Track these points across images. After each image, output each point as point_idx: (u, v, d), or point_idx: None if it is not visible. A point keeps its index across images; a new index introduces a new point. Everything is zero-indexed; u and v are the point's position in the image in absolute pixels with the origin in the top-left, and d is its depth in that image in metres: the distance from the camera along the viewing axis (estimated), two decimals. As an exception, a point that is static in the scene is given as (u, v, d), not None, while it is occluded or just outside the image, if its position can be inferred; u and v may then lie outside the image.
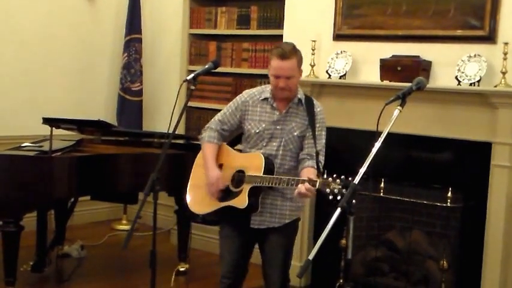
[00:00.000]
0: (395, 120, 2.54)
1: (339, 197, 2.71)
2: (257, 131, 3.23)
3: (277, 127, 3.22)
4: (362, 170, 2.44)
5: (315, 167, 3.08)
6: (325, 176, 2.80)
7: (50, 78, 5.88)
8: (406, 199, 4.39)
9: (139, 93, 6.14)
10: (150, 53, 6.27)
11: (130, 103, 6.11)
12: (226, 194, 3.23)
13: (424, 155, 4.34)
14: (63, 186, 4.23)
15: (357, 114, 4.49)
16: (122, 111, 6.13)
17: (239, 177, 3.20)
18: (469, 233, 4.19)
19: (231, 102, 3.36)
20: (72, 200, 4.89)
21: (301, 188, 2.91)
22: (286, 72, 3.12)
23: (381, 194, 4.41)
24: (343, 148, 4.65)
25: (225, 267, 3.36)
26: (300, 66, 3.22)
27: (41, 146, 4.45)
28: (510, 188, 3.96)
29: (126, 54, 6.09)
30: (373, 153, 2.47)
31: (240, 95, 3.34)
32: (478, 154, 4.08)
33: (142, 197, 2.85)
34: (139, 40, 6.12)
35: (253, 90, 3.33)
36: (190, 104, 3.22)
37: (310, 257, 2.30)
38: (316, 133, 3.19)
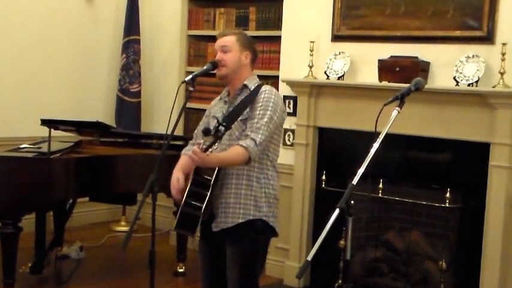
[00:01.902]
0: (393, 120, 2.54)
1: (208, 149, 2.58)
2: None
3: None
4: (361, 171, 2.44)
5: (240, 143, 2.85)
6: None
7: (49, 80, 5.88)
8: (405, 200, 4.39)
9: (138, 94, 6.14)
10: (149, 54, 6.26)
11: (128, 104, 6.11)
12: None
13: (422, 155, 4.35)
14: (61, 188, 4.23)
15: (356, 115, 4.49)
16: (121, 113, 6.12)
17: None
18: (468, 233, 4.20)
19: None
20: (71, 201, 4.89)
21: (190, 154, 2.77)
22: (223, 43, 3.09)
23: (380, 195, 4.41)
24: (342, 149, 4.66)
25: (203, 284, 3.20)
26: (241, 45, 3.08)
27: (40, 148, 4.44)
28: (509, 188, 3.97)
29: (124, 55, 6.09)
30: (372, 154, 2.47)
31: None
32: (476, 154, 4.08)
33: (141, 198, 2.85)
34: (138, 41, 6.12)
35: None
36: (188, 105, 3.20)
37: (309, 257, 2.29)
38: (258, 112, 2.95)
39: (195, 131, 3.29)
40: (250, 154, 2.86)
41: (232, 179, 3.00)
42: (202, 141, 2.64)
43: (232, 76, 3.11)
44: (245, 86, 3.09)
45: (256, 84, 3.09)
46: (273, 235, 3.12)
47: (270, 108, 2.97)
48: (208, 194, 2.95)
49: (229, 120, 2.85)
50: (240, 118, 2.99)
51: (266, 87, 3.06)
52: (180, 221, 3.02)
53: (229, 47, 3.08)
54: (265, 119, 2.94)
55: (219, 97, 3.24)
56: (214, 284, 3.17)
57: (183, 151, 3.24)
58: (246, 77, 3.11)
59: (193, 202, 2.98)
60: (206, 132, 2.61)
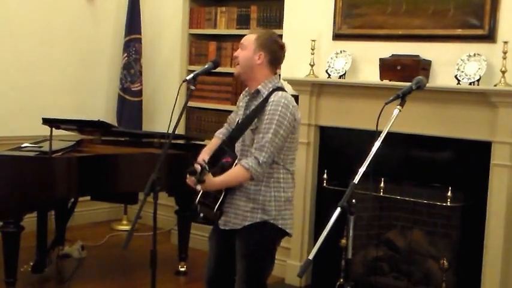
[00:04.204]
0: (395, 119, 2.54)
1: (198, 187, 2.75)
2: (235, 124, 3.20)
3: (241, 119, 3.12)
4: (362, 170, 2.44)
5: (243, 164, 2.90)
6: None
7: (50, 79, 5.88)
8: (406, 198, 4.39)
9: (139, 93, 6.14)
10: (150, 53, 6.26)
11: (130, 103, 6.11)
12: None
13: (424, 154, 4.34)
14: (63, 187, 4.23)
15: (357, 114, 4.49)
16: (122, 112, 6.12)
17: None
18: (469, 232, 4.19)
19: None
20: (72, 200, 4.89)
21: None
22: (243, 40, 3.10)
23: (381, 194, 4.41)
24: (343, 148, 4.66)
25: (206, 272, 3.25)
26: (257, 45, 3.05)
27: (41, 147, 4.44)
28: (510, 187, 3.96)
29: (125, 54, 6.09)
30: (373, 153, 2.47)
31: None
32: (478, 153, 4.08)
33: (142, 197, 2.85)
34: (139, 40, 6.11)
35: None
36: (190, 104, 3.21)
37: (311, 256, 2.29)
38: (264, 126, 2.94)
39: (229, 116, 3.36)
40: (252, 174, 2.91)
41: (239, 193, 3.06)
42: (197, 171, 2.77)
43: (246, 77, 3.11)
44: (258, 92, 3.07)
45: (270, 89, 3.05)
46: (284, 235, 3.15)
47: (275, 122, 2.94)
48: (221, 196, 3.03)
49: (230, 142, 3.00)
50: (250, 128, 3.02)
51: (274, 97, 2.99)
52: (200, 214, 3.14)
53: (245, 45, 3.09)
54: (270, 135, 2.92)
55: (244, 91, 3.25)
56: (218, 272, 3.20)
57: (217, 133, 3.35)
58: (261, 80, 3.07)
59: (207, 202, 3.06)
60: (191, 173, 2.74)
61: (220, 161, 3.00)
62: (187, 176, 2.87)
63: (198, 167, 2.73)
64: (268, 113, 2.96)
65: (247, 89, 3.20)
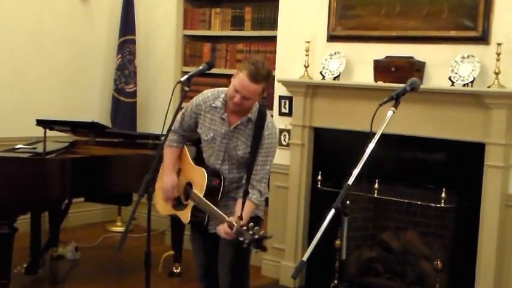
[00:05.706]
0: (389, 121, 2.54)
1: (247, 242, 2.75)
2: (205, 138, 3.20)
3: (224, 140, 3.15)
4: (356, 171, 2.44)
5: (251, 199, 3.06)
6: (242, 224, 2.80)
7: (44, 80, 5.87)
8: (400, 200, 4.40)
9: (133, 94, 6.13)
10: (144, 54, 6.26)
11: (124, 104, 6.10)
12: (178, 202, 3.27)
13: (418, 155, 4.35)
14: (57, 188, 4.22)
15: (351, 115, 4.49)
16: (116, 113, 6.11)
17: (187, 191, 3.21)
18: (463, 233, 4.21)
19: (189, 103, 3.30)
20: (66, 201, 4.88)
21: (220, 230, 2.95)
22: (247, 93, 3.03)
23: (375, 195, 4.41)
24: (337, 149, 4.67)
25: (198, 269, 3.41)
26: (265, 90, 3.13)
27: (35, 148, 4.44)
28: (503, 188, 3.98)
29: (120, 55, 6.08)
30: (367, 154, 2.47)
31: (196, 96, 3.25)
32: (471, 154, 4.09)
33: (136, 198, 2.85)
34: (133, 41, 6.11)
35: (209, 93, 3.22)
36: (184, 105, 3.20)
37: (305, 257, 2.30)
38: (261, 158, 3.12)
39: (180, 119, 3.29)
40: (258, 205, 3.16)
41: (230, 200, 3.17)
42: (236, 223, 2.84)
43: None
44: (249, 120, 3.14)
45: (256, 113, 3.15)
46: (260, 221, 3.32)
47: (271, 153, 3.17)
48: (207, 214, 3.13)
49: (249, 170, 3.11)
50: (239, 154, 3.14)
51: (267, 130, 3.13)
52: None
53: (252, 98, 3.07)
54: (267, 167, 3.16)
55: (211, 102, 3.19)
56: (210, 267, 3.31)
57: (168, 143, 3.27)
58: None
59: (197, 220, 3.19)
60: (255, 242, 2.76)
61: (209, 184, 3.10)
62: (232, 232, 2.86)
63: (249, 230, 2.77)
64: (266, 146, 3.14)
65: (220, 106, 3.16)
